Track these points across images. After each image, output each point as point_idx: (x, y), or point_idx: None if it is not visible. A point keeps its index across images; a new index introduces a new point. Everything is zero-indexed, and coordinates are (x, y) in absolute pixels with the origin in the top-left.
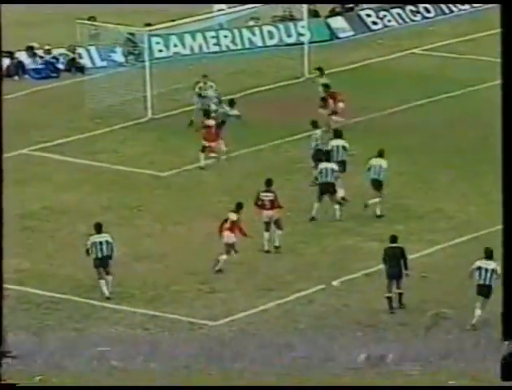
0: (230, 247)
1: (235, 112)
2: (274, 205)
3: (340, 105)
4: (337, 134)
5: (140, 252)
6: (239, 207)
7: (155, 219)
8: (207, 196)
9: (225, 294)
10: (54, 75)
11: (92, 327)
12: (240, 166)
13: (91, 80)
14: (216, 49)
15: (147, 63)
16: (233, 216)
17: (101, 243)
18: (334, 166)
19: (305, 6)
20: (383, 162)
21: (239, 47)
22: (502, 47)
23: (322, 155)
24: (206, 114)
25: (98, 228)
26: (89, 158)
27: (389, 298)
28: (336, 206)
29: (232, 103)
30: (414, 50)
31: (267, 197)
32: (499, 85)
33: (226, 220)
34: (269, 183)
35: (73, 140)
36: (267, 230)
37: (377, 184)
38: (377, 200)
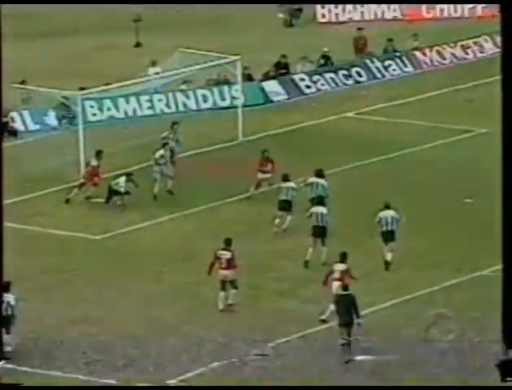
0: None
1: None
2: (230, 264)
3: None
4: (318, 173)
5: (75, 316)
6: (344, 257)
7: (90, 283)
8: (143, 258)
9: (159, 359)
10: None
11: None
12: (176, 228)
13: (24, 143)
14: (150, 112)
15: (80, 127)
16: (341, 266)
17: (1, 302)
18: (324, 210)
19: (238, 70)
20: (392, 213)
21: (173, 110)
22: (502, 48)
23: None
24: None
25: (5, 288)
26: (23, 223)
27: (343, 345)
28: (324, 249)
29: (130, 178)
30: (348, 114)
31: (225, 255)
32: (431, 147)
33: (331, 272)
34: (228, 242)
35: (6, 205)
36: (223, 289)
37: (390, 235)
38: (390, 254)
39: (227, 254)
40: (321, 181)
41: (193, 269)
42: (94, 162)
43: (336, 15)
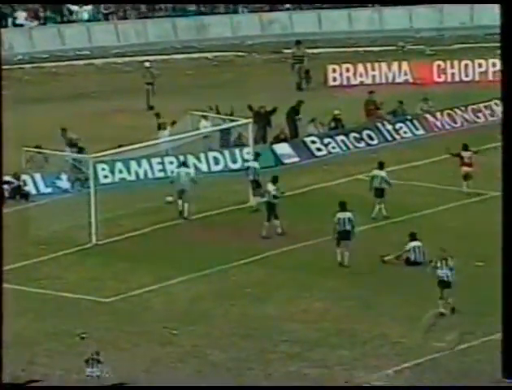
0: None
1: None
2: None
3: None
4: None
5: (82, 381)
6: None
7: (99, 346)
8: (152, 321)
9: None
10: None
11: None
12: (187, 290)
13: (35, 206)
14: (162, 174)
15: (92, 189)
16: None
17: None
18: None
19: (250, 133)
20: None
21: None
22: (502, 47)
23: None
24: None
25: None
26: (33, 285)
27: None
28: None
29: None
30: (359, 176)
31: None
32: (442, 210)
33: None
34: None
35: (17, 268)
36: None
37: None
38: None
39: None
40: (381, 173)
41: (202, 332)
42: None
43: (348, 78)
